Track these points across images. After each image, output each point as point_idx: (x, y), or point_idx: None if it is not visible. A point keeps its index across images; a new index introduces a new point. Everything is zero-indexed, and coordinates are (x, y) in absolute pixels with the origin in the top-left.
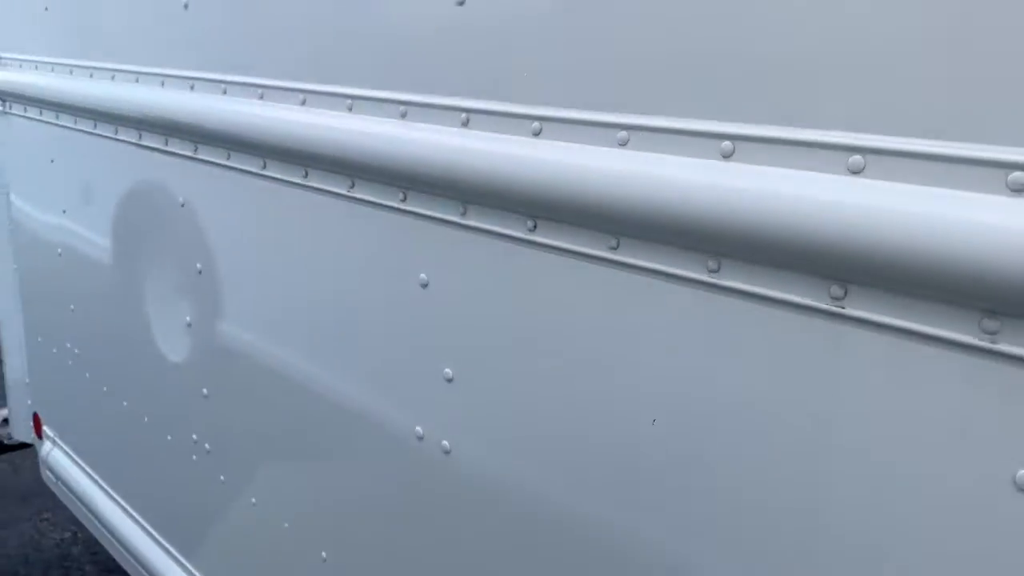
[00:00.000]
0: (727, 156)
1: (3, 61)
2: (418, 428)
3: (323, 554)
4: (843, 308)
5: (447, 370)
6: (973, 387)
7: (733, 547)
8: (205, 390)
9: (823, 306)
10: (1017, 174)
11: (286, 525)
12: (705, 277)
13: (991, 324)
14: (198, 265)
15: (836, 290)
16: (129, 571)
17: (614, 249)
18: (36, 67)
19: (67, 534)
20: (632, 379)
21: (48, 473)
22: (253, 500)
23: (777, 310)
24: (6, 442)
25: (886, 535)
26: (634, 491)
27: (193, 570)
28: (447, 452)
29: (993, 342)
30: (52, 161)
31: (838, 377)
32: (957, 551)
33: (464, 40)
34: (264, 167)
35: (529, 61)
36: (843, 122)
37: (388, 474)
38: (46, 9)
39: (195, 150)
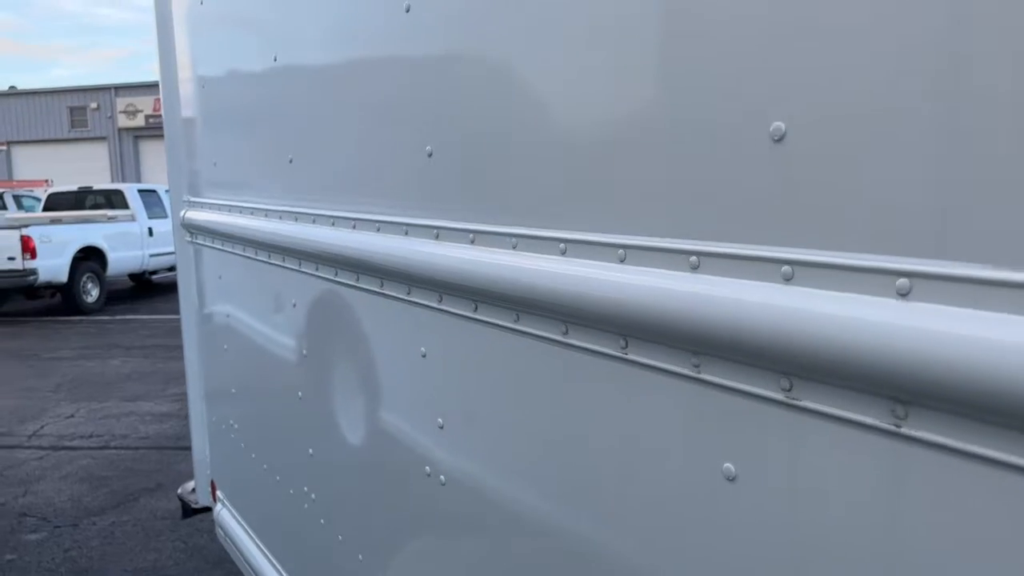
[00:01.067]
0: (904, 294)
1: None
2: None
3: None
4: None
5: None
6: None
7: None
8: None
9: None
10: None
11: None
12: (889, 425)
13: None
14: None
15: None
16: None
17: (788, 391)
18: (266, 215)
19: None
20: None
21: (219, 530)
22: None
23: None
24: (194, 506)
25: None
26: None
27: None
28: None
29: None
30: (292, 306)
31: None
32: None
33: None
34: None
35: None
36: None
37: None
38: (290, 161)
39: (439, 300)
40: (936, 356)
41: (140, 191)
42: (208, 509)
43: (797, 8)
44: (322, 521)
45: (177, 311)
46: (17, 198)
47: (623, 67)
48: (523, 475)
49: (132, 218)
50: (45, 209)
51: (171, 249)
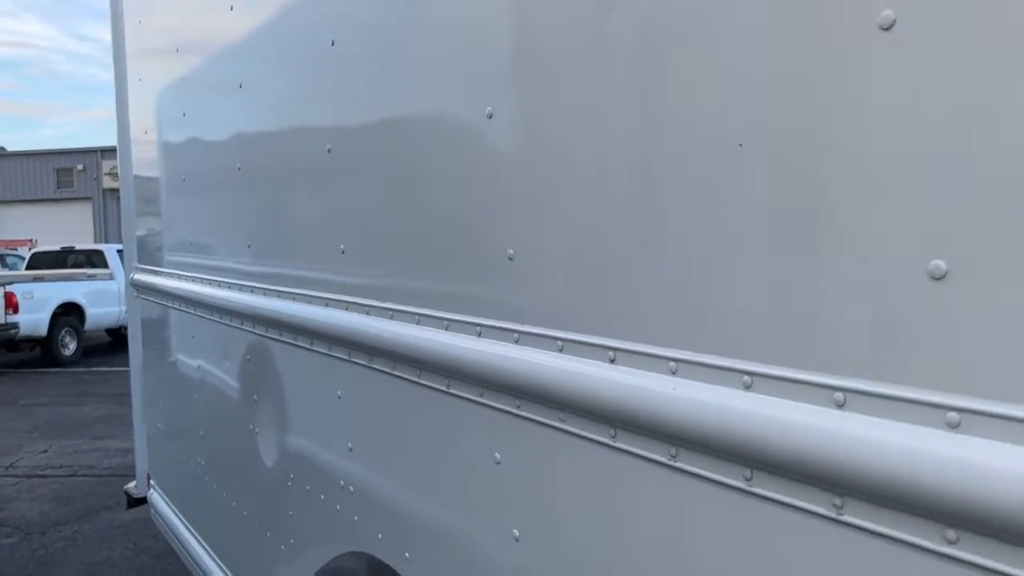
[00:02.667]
0: (953, 427)
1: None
2: None
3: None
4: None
5: None
6: None
7: None
8: None
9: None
10: None
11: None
12: (943, 548)
13: None
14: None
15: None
16: (192, 571)
17: (839, 508)
18: (309, 302)
19: None
20: None
21: (151, 509)
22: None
23: None
24: (135, 497)
25: None
26: None
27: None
28: None
29: None
30: (192, 339)
31: None
32: None
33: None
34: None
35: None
36: None
37: None
38: (342, 251)
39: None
40: (980, 483)
41: (119, 251)
42: (145, 500)
43: None
44: (224, 494)
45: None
46: (2, 257)
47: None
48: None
49: (111, 276)
50: (28, 267)
51: None
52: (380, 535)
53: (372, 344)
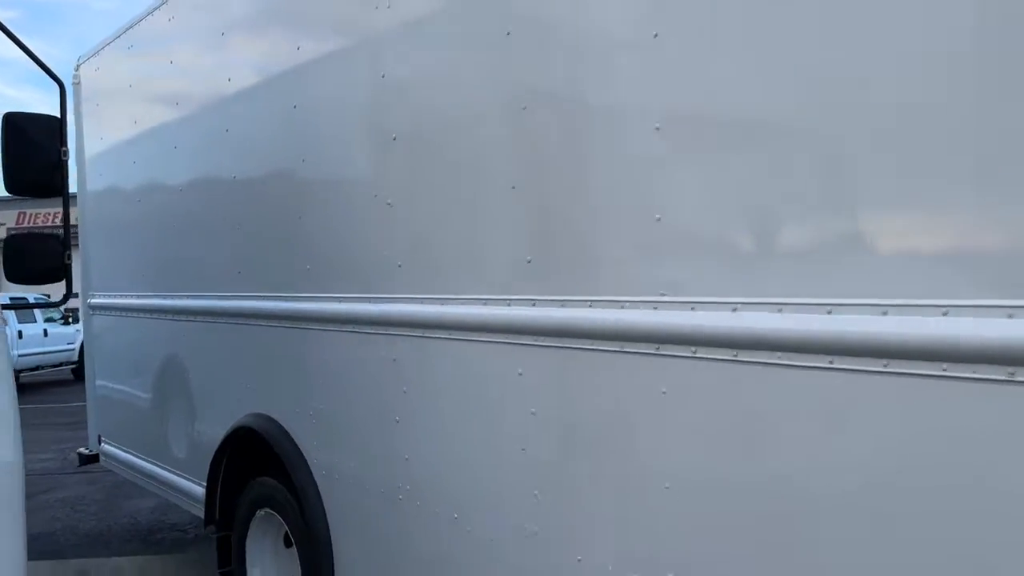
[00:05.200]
0: None
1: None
2: None
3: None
4: None
5: None
6: None
7: None
8: None
9: None
10: None
11: None
12: None
13: None
14: None
15: None
16: (145, 486)
17: None
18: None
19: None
20: None
21: (102, 457)
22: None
23: None
24: (87, 453)
25: None
26: None
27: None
28: None
29: None
30: (133, 333)
31: None
32: None
33: None
34: None
35: None
36: None
37: None
38: (398, 265)
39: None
40: None
41: (12, 298)
42: (94, 458)
43: None
44: (159, 417)
45: (35, 402)
46: None
47: None
48: None
49: (4, 322)
50: None
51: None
52: (272, 401)
53: (246, 312)
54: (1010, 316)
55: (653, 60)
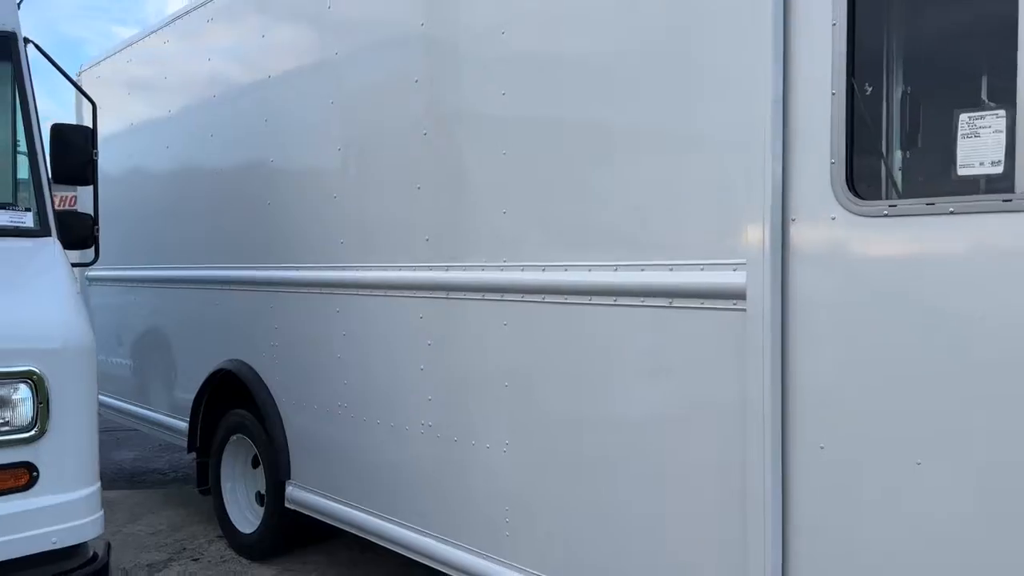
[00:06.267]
0: None
1: None
2: None
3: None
4: None
5: None
6: None
7: None
8: None
9: None
10: None
11: None
12: None
13: None
14: None
15: None
16: (136, 426)
17: None
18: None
19: None
20: None
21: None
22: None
23: None
24: None
25: None
26: None
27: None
28: None
29: None
30: (132, 298)
31: None
32: None
33: None
34: None
35: None
36: None
37: None
38: (341, 242)
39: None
40: None
41: None
42: None
43: None
44: (152, 363)
45: None
46: None
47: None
48: None
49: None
50: None
51: None
52: (243, 350)
53: (222, 279)
54: (642, 270)
55: (500, 110)
